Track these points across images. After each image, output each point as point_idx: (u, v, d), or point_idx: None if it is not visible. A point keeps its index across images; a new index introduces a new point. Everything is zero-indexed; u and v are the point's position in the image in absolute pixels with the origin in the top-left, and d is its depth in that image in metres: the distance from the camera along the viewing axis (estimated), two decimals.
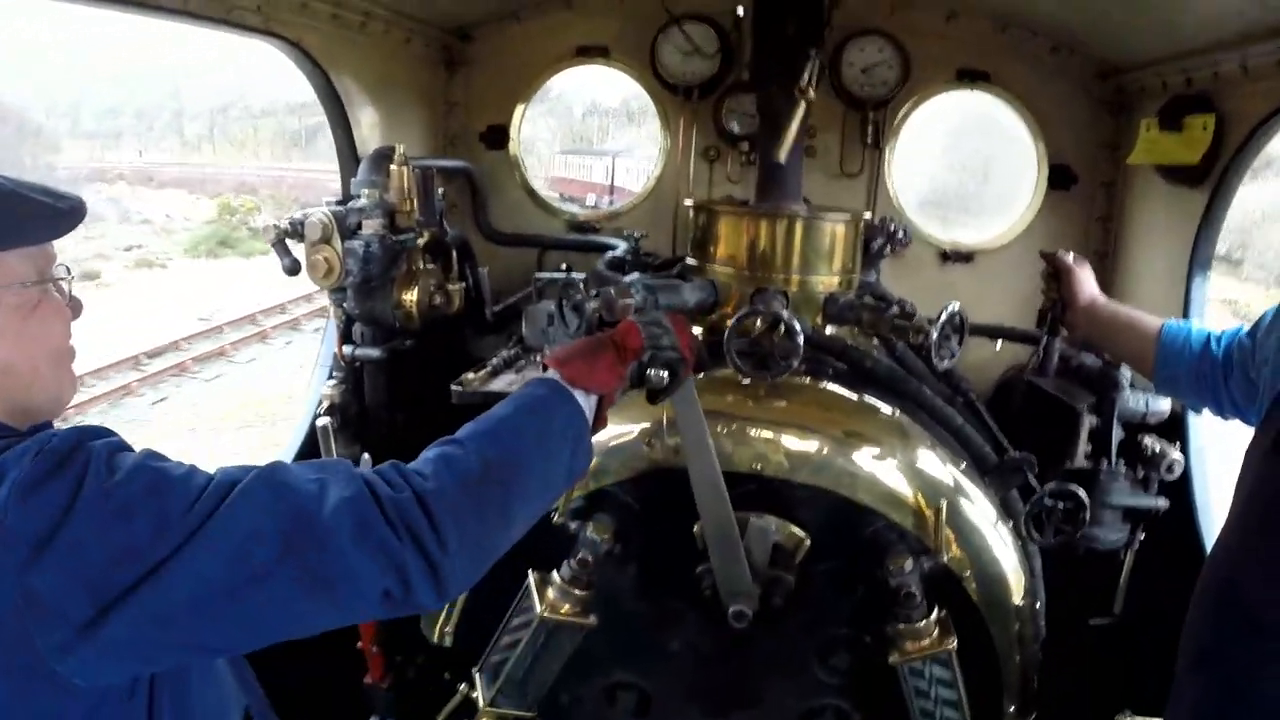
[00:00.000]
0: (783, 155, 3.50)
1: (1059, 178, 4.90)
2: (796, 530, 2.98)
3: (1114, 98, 4.80)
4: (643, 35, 4.92)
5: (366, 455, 3.58)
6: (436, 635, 3.30)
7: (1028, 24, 4.80)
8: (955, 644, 2.95)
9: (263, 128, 65.18)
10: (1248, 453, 2.45)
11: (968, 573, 3.06)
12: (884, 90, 4.84)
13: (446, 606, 3.26)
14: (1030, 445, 3.41)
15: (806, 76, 3.44)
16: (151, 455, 1.79)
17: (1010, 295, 4.68)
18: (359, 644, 3.78)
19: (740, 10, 4.82)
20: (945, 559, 2.98)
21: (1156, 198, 4.46)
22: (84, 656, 1.66)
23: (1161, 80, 4.24)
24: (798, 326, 3.00)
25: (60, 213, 1.89)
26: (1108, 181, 4.90)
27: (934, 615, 2.97)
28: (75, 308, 2.02)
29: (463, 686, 3.21)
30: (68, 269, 1.98)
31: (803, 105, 3.47)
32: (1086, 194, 4.93)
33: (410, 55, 4.84)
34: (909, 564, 2.92)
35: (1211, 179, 3.92)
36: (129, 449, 1.78)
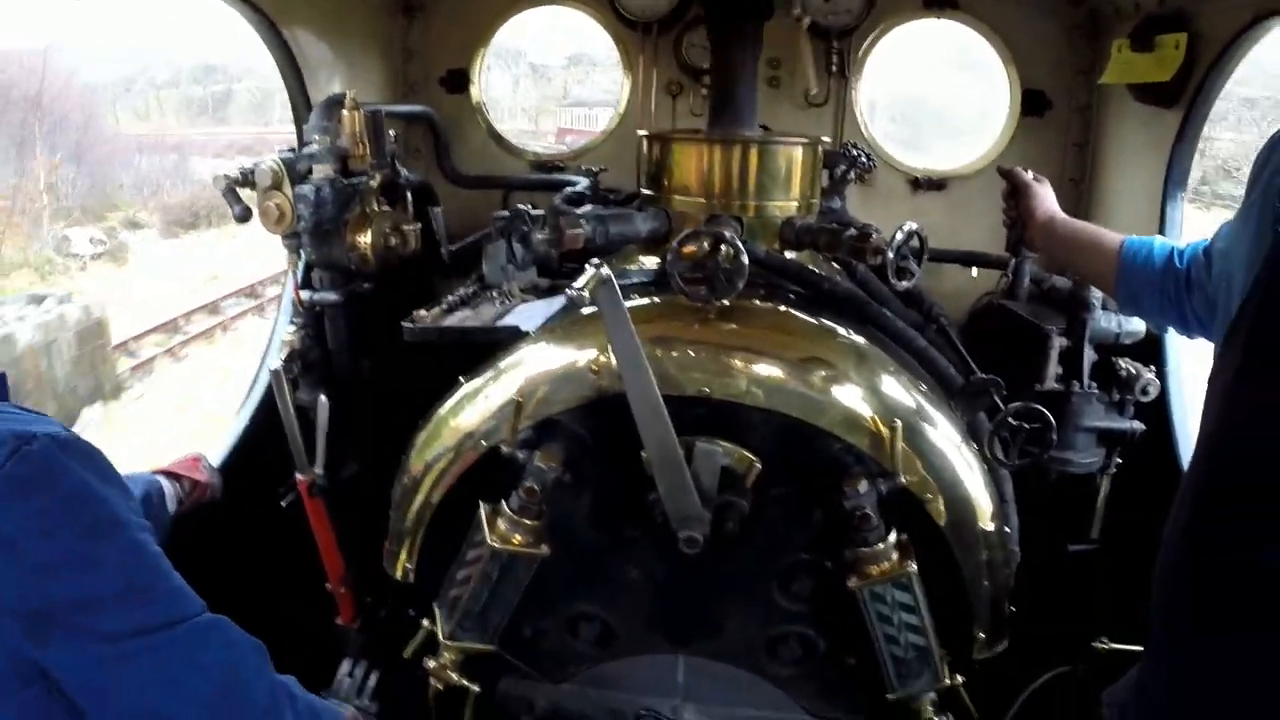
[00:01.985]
0: (739, 80, 3.43)
1: (1032, 103, 4.80)
2: (746, 454, 2.92)
3: (1087, 21, 4.69)
4: None
5: (324, 399, 3.55)
6: (398, 571, 3.29)
7: None
8: (915, 567, 2.91)
9: (166, 99, 63.94)
10: (1209, 382, 2.32)
11: (930, 496, 2.99)
12: (849, 18, 4.73)
13: (406, 541, 3.24)
14: (1002, 369, 3.35)
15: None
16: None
17: (985, 222, 4.58)
18: (327, 585, 3.77)
19: None
20: (904, 481, 2.92)
21: (1130, 120, 4.37)
22: None
23: (1134, 2, 4.13)
24: (743, 246, 2.94)
25: None
26: (1082, 106, 4.80)
27: (892, 538, 2.92)
28: None
29: (425, 622, 3.19)
30: None
31: (751, 27, 3.40)
32: (1061, 119, 4.83)
33: (364, 3, 4.75)
34: (864, 486, 2.87)
35: (1185, 98, 3.84)
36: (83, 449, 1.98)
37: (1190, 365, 4.05)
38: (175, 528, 3.26)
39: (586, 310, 2.91)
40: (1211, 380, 2.31)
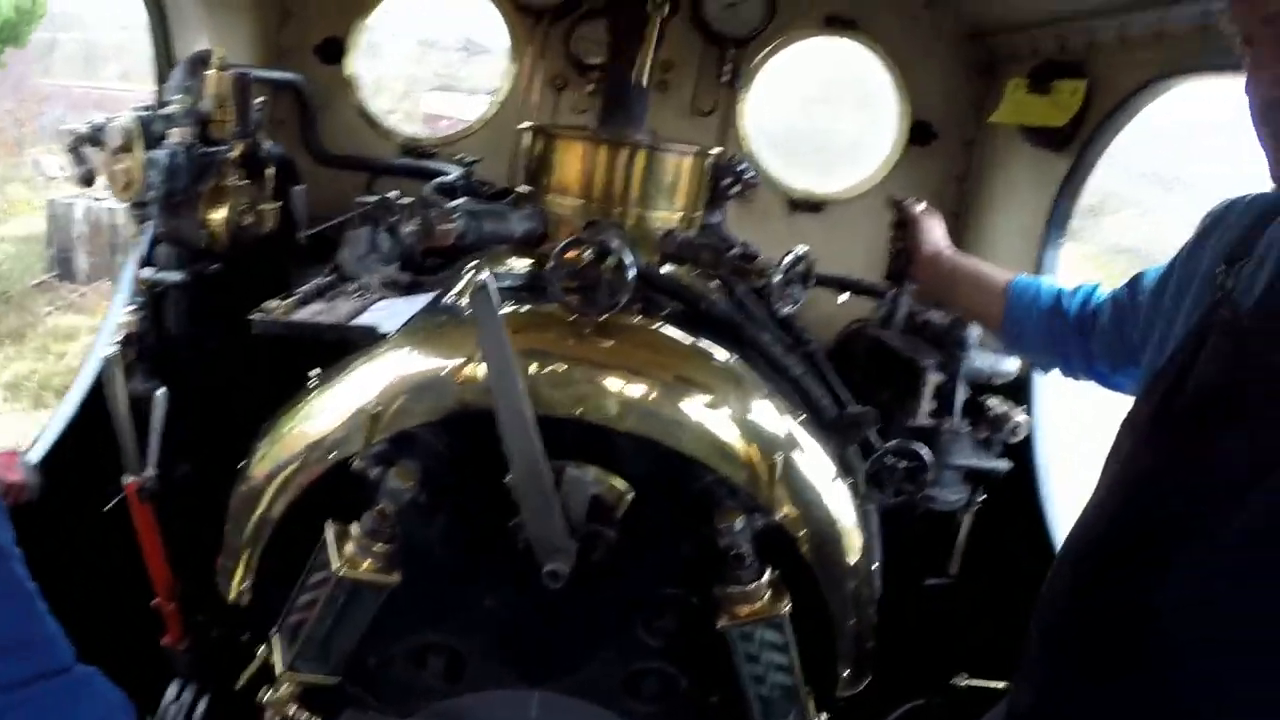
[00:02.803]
0: (639, 76, 3.27)
1: (919, 133, 4.77)
2: (618, 482, 2.76)
3: (984, 58, 4.68)
4: None
5: (161, 392, 3.25)
6: (233, 592, 3.00)
7: None
8: (789, 608, 2.79)
9: None
10: (1124, 423, 2.26)
11: (802, 532, 2.88)
12: (746, 29, 4.61)
13: (242, 558, 2.97)
14: (873, 401, 3.27)
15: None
16: None
17: (860, 248, 4.53)
18: (154, 601, 3.41)
19: None
20: (779, 517, 2.81)
21: (1017, 159, 4.36)
22: None
23: (1033, 45, 4.13)
24: (629, 259, 2.78)
25: None
26: (968, 141, 4.79)
27: (766, 577, 2.80)
28: None
29: (261, 649, 2.91)
30: None
31: (656, 23, 3.23)
32: (946, 151, 4.80)
33: None
34: (739, 523, 2.73)
35: (1076, 144, 3.83)
36: None
37: (1057, 406, 4.11)
38: None
39: (450, 314, 2.72)
40: (1125, 425, 2.26)
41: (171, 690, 3.33)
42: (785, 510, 2.83)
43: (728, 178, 3.99)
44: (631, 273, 2.78)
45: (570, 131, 3.44)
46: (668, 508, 2.86)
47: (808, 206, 4.88)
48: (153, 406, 3.23)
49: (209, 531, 3.11)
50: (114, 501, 3.30)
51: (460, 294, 2.39)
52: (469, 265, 3.42)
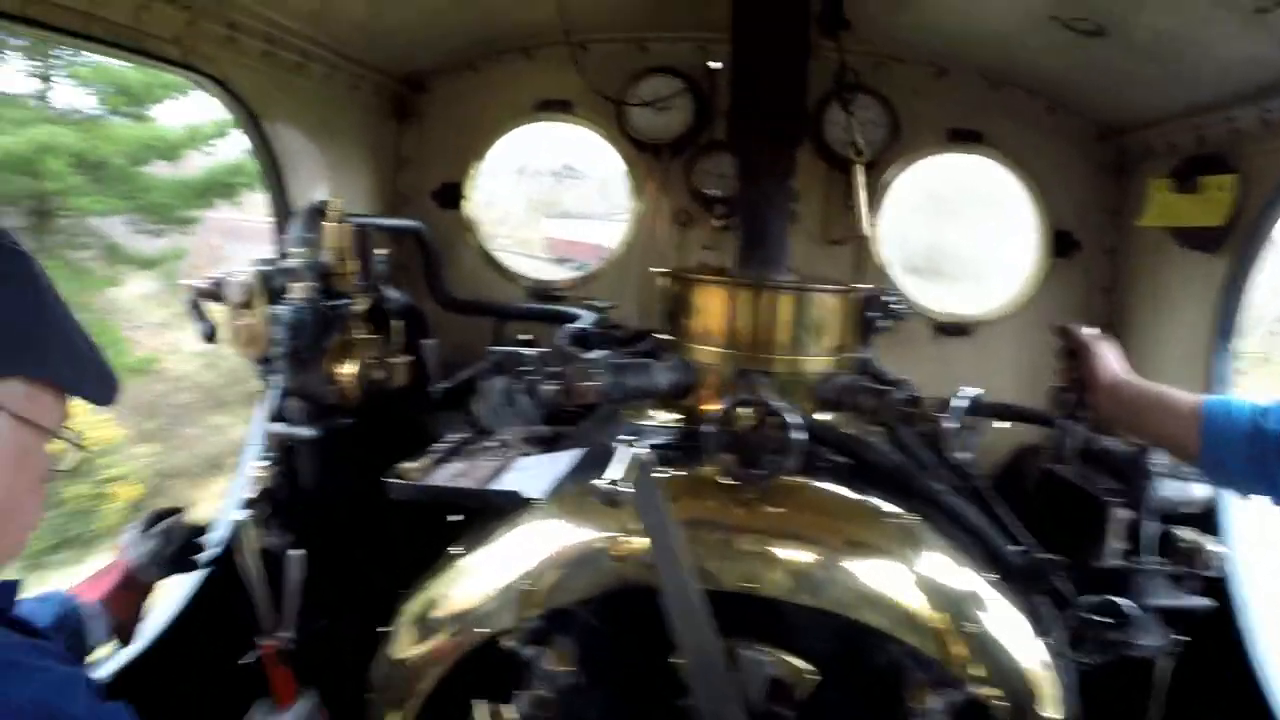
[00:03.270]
0: (775, 220, 3.12)
1: (1060, 244, 4.57)
2: (798, 665, 2.52)
3: (1116, 159, 4.49)
4: (608, 89, 4.54)
5: (298, 554, 3.12)
6: None
7: (1022, 82, 4.49)
8: None
9: None
10: None
11: (999, 700, 2.60)
12: (871, 150, 4.46)
13: None
14: (1050, 539, 3.04)
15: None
16: None
17: (1011, 369, 4.32)
18: None
19: (714, 64, 4.47)
20: (975, 689, 2.54)
21: (1168, 264, 4.10)
22: None
23: (1168, 140, 3.94)
24: (794, 419, 2.57)
25: (111, 386, 1.92)
26: (1110, 248, 4.56)
27: None
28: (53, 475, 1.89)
29: None
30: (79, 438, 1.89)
31: (794, 163, 3.09)
32: (1089, 261, 4.59)
33: (357, 104, 4.44)
34: (932, 701, 2.48)
35: (1233, 243, 3.59)
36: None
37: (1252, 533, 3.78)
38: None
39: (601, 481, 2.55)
40: None
41: None
42: (980, 679, 2.57)
43: (876, 311, 3.80)
44: (798, 435, 2.58)
45: (708, 277, 3.28)
46: (853, 684, 2.61)
47: (954, 330, 4.67)
48: (287, 567, 3.13)
49: (342, 686, 2.99)
50: (250, 658, 3.17)
51: (620, 478, 2.20)
52: (602, 413, 3.27)
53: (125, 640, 2.68)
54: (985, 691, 2.59)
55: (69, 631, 2.47)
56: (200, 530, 2.92)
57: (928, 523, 2.87)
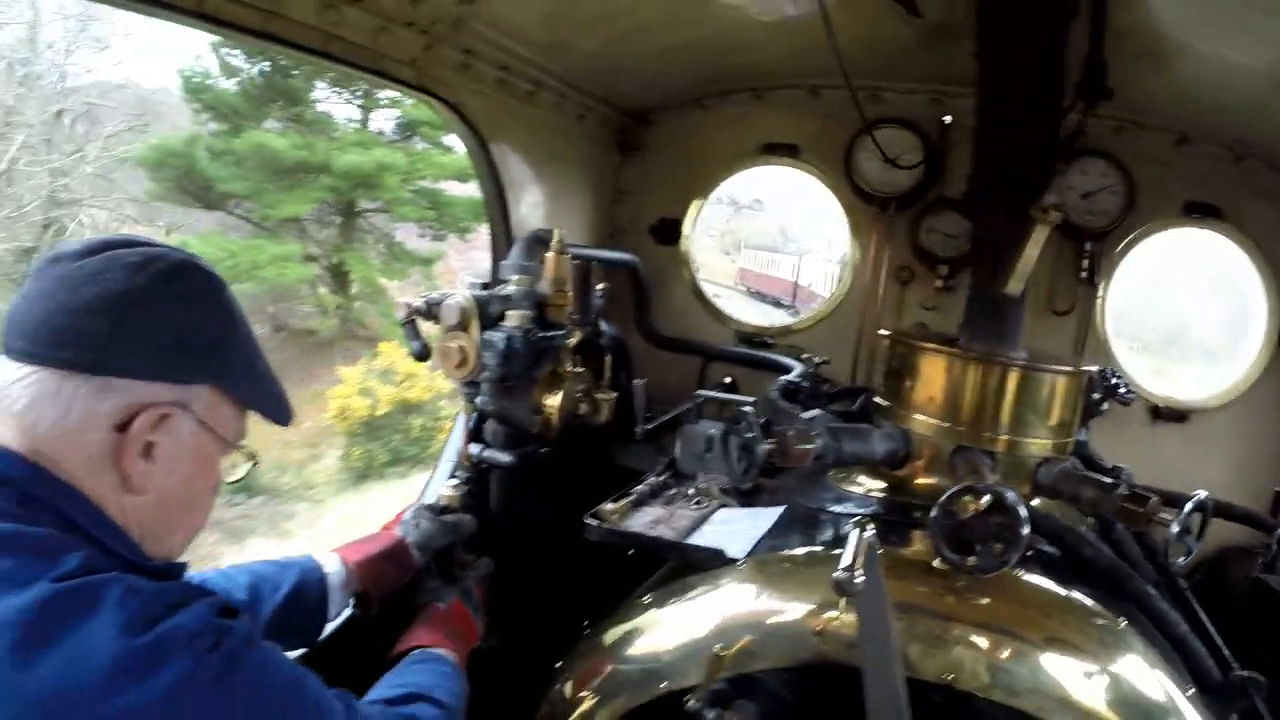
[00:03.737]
0: (1015, 287, 2.96)
1: None
2: None
3: None
4: (838, 137, 4.46)
5: (485, 560, 3.13)
6: None
7: (1268, 155, 4.17)
8: None
9: None
10: None
11: None
12: (1104, 220, 4.26)
13: None
14: (1254, 655, 2.82)
15: (1052, 197, 2.90)
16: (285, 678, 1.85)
17: (1227, 462, 4.02)
18: None
19: (948, 118, 4.33)
20: None
21: None
22: None
23: None
24: (1023, 513, 2.42)
25: (286, 410, 2.09)
26: None
27: None
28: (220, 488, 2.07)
29: None
30: (255, 455, 2.08)
31: (1044, 231, 2.92)
32: None
33: (582, 134, 4.48)
34: None
35: None
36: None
37: None
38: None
39: (802, 550, 2.46)
40: None
41: None
42: None
43: (1099, 392, 3.60)
44: (1024, 529, 2.42)
45: (936, 346, 3.13)
46: None
47: (1171, 415, 4.38)
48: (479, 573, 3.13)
49: (508, 702, 2.97)
50: None
51: (850, 567, 2.11)
52: (805, 470, 3.18)
53: (366, 609, 2.74)
54: None
55: (307, 599, 2.58)
56: (473, 539, 3.03)
57: (1132, 626, 2.68)
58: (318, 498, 20.26)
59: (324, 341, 24.86)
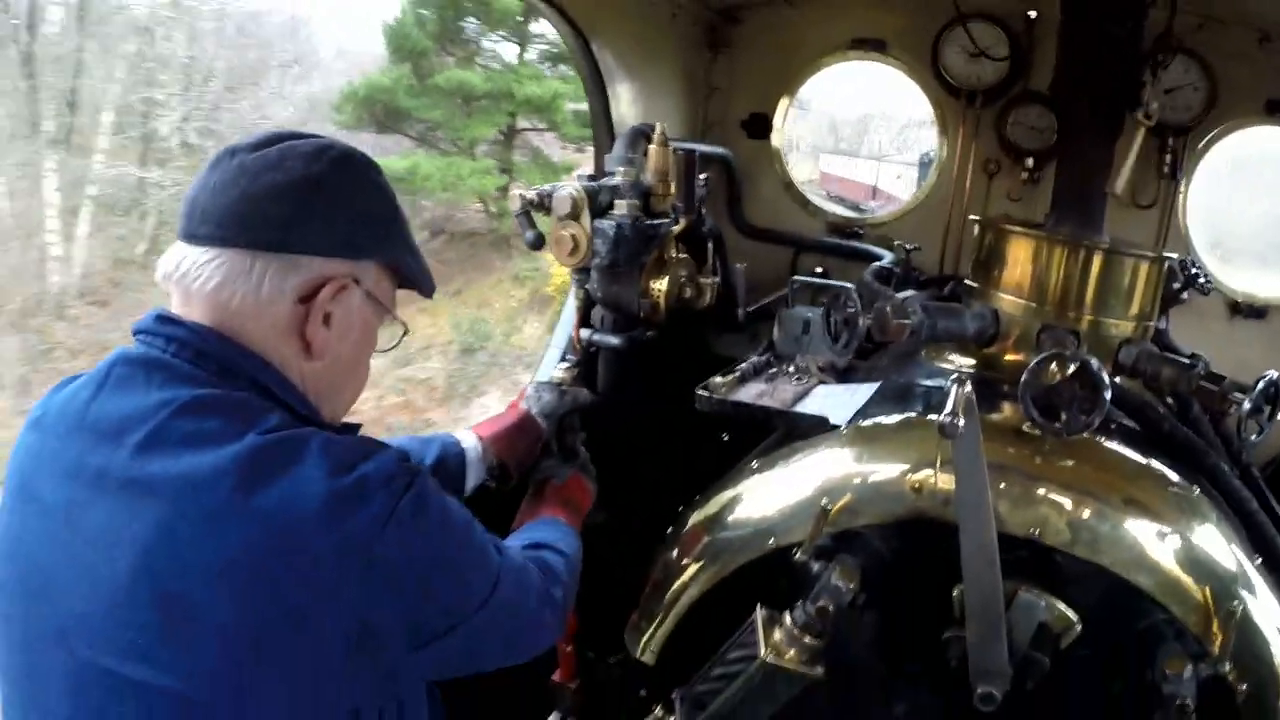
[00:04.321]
0: (1119, 185, 3.11)
1: None
2: (1067, 611, 2.58)
3: None
4: (925, 32, 4.53)
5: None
6: (640, 649, 3.07)
7: None
8: None
9: None
10: None
11: (1244, 686, 2.58)
12: (1186, 116, 4.30)
13: (658, 621, 3.03)
14: None
15: (1146, 94, 3.02)
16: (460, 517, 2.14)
17: None
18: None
19: (1033, 13, 4.38)
20: (1225, 669, 2.53)
21: None
22: (368, 682, 1.94)
23: None
24: (1105, 378, 2.62)
25: (432, 284, 2.33)
26: None
27: None
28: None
29: (657, 710, 2.96)
30: (406, 326, 2.30)
31: (1142, 132, 3.05)
32: None
33: (675, 32, 4.61)
34: (1188, 671, 2.48)
35: None
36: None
37: None
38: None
39: (899, 416, 2.64)
40: None
41: None
42: (1231, 660, 2.54)
43: (1179, 282, 3.73)
44: (1107, 394, 2.61)
45: (1025, 230, 3.29)
46: (1108, 641, 2.65)
47: (1250, 312, 4.46)
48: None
49: (610, 577, 3.20)
50: None
51: (952, 413, 2.30)
52: (899, 352, 3.37)
53: (503, 480, 3.00)
54: (1232, 673, 2.57)
55: (448, 471, 2.83)
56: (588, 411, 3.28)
57: (1209, 502, 2.86)
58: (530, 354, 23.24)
59: (498, 239, 27.94)
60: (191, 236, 1.99)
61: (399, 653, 1.95)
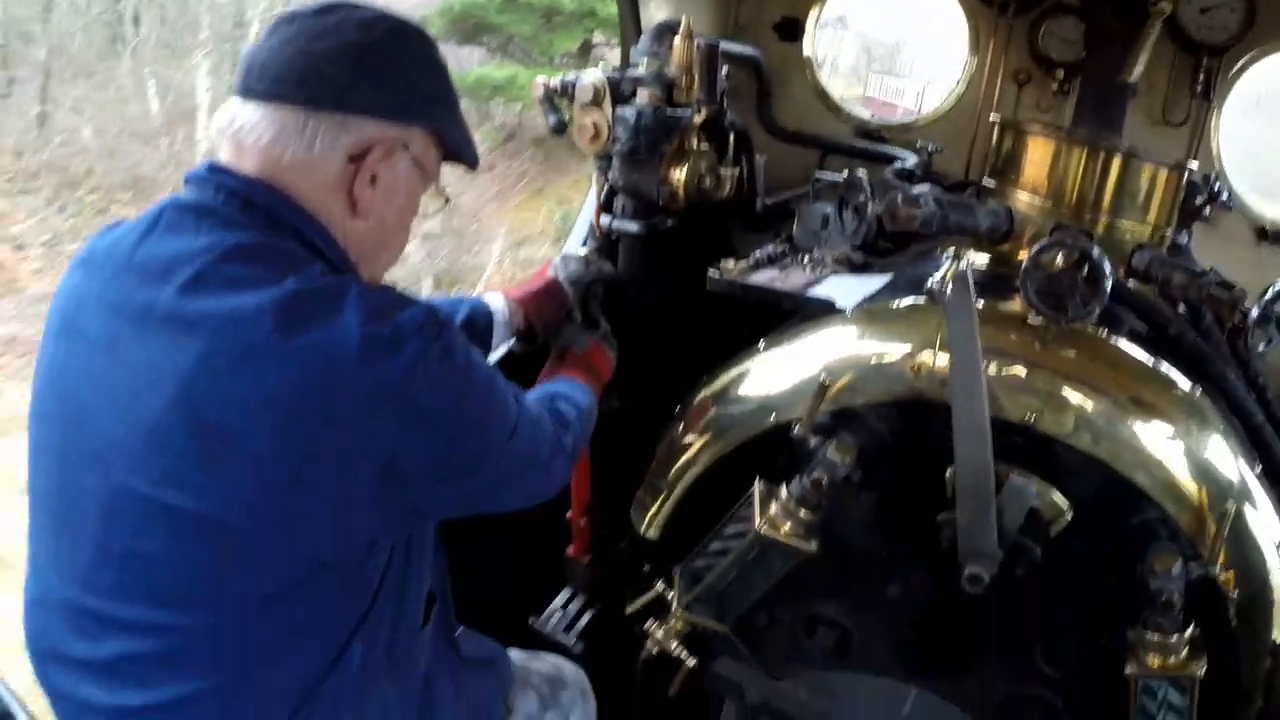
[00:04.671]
0: (1132, 74, 3.09)
1: None
2: (1059, 499, 2.64)
3: None
4: None
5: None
6: (644, 525, 3.16)
7: None
8: (1203, 670, 2.56)
9: None
10: None
11: (1235, 592, 2.63)
12: (1222, 36, 4.20)
13: (661, 497, 3.12)
14: None
15: None
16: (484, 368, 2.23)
17: None
18: (568, 514, 3.71)
19: None
20: (1216, 571, 2.57)
21: None
22: (389, 514, 2.06)
23: None
24: (1106, 270, 2.64)
25: (476, 156, 2.39)
26: None
27: (1187, 632, 2.57)
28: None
29: (659, 584, 3.04)
30: (447, 195, 2.41)
31: (1159, 23, 3.03)
32: None
33: None
34: (1177, 568, 2.52)
35: None
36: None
37: None
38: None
39: (908, 300, 2.67)
40: None
41: (561, 597, 3.63)
42: (1223, 564, 2.59)
43: (1201, 197, 3.73)
44: (1108, 284, 2.64)
45: (1044, 129, 3.29)
46: (1100, 535, 2.71)
47: (1276, 238, 4.40)
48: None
49: (622, 460, 3.35)
50: None
51: (932, 281, 2.35)
52: (918, 251, 3.39)
53: (530, 341, 3.14)
54: (1223, 576, 2.61)
55: (476, 330, 2.94)
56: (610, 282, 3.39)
57: (1214, 408, 2.89)
58: None
59: (571, 143, 28.26)
60: (248, 91, 2.07)
61: (423, 489, 2.07)
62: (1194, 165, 3.36)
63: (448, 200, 2.40)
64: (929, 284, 2.36)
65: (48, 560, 2.10)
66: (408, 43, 2.16)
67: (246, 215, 2.02)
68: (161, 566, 1.92)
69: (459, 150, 2.33)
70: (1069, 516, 2.64)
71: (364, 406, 1.90)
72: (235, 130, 2.06)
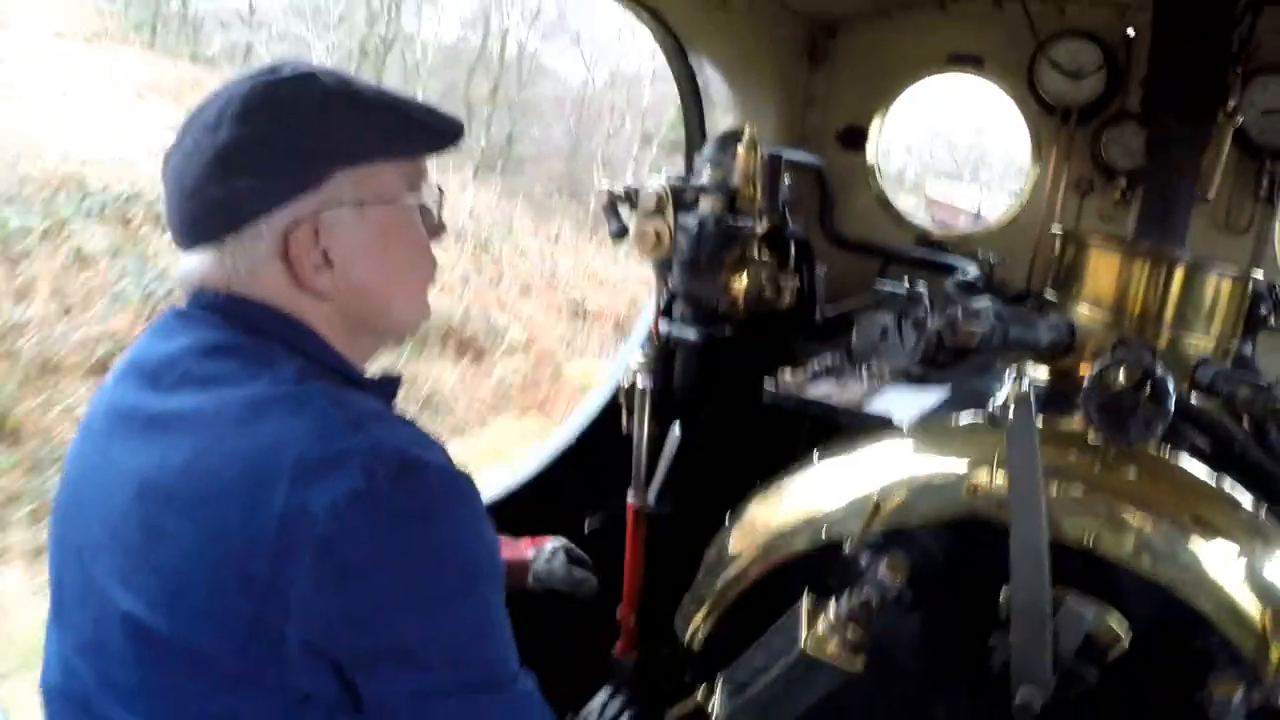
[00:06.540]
0: (1210, 190, 3.07)
1: None
2: (1116, 623, 2.54)
3: None
4: (1022, 49, 4.50)
5: (677, 431, 3.49)
6: (688, 636, 3.11)
7: None
8: None
9: None
10: None
11: None
12: None
13: (707, 606, 3.07)
14: None
15: (1233, 101, 2.98)
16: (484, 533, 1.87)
17: None
18: (618, 614, 3.70)
19: (1131, 31, 4.32)
20: (1279, 700, 2.43)
21: None
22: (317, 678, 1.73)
23: None
24: (1169, 387, 2.60)
25: (439, 130, 1.97)
26: None
27: None
28: (437, 231, 2.07)
29: (700, 692, 2.96)
30: (440, 190, 2.04)
31: (1228, 134, 3.02)
32: None
33: (773, 41, 4.67)
34: (1238, 696, 2.40)
35: None
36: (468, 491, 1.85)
37: None
38: None
39: (965, 417, 2.65)
40: None
41: (602, 694, 3.55)
42: None
43: (1265, 305, 3.67)
44: (1171, 404, 2.58)
45: (1106, 240, 3.27)
46: (1159, 661, 2.60)
47: None
48: (668, 440, 3.53)
49: (668, 563, 3.30)
50: (596, 519, 3.60)
51: (993, 404, 2.32)
52: (977, 363, 3.36)
53: None
54: None
55: None
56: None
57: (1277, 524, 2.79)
58: None
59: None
60: (177, 243, 2.01)
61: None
62: (1259, 274, 3.31)
63: (443, 192, 2.09)
64: (990, 407, 2.32)
65: (51, 647, 2.06)
66: (262, 116, 1.84)
67: (227, 322, 1.92)
68: (124, 668, 1.81)
69: (413, 142, 1.98)
70: (1126, 641, 2.56)
71: (272, 535, 1.64)
72: (183, 278, 1.99)
